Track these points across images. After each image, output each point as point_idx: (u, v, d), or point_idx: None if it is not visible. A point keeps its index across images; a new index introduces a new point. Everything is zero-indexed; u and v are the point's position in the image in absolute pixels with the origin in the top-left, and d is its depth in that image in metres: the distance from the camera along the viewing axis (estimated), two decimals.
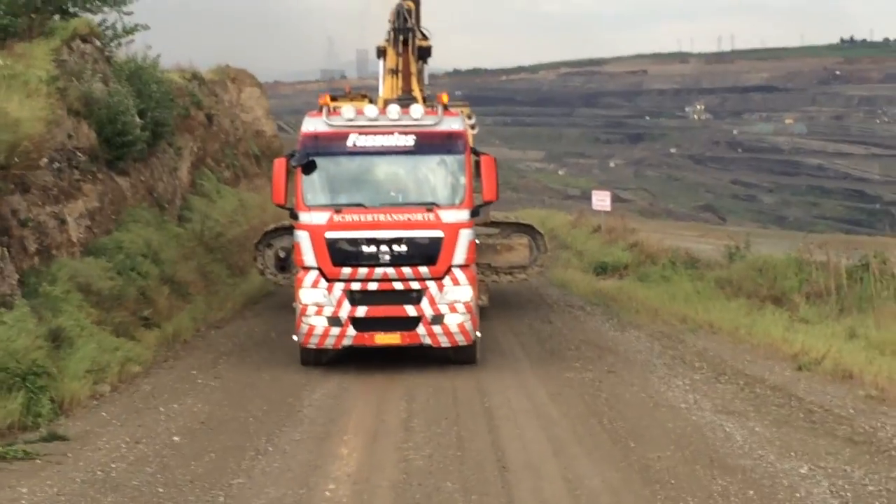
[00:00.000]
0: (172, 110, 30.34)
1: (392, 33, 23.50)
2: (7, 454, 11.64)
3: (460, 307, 16.90)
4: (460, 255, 16.92)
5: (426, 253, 16.85)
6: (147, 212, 25.16)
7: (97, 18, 28.68)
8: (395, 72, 23.19)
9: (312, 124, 17.48)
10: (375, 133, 17.13)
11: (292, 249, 20.08)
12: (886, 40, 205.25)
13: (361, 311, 16.83)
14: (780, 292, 22.14)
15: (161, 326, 19.24)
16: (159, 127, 27.80)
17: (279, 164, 17.33)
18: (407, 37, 23.30)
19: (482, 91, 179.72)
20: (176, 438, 12.66)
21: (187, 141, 33.24)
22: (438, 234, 16.83)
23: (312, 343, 16.95)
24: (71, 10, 27.94)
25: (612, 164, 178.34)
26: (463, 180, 17.08)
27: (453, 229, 16.86)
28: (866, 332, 18.38)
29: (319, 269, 16.88)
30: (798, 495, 10.25)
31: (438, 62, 27.17)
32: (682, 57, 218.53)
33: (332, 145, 17.20)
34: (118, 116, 23.92)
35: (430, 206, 16.88)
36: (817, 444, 12.10)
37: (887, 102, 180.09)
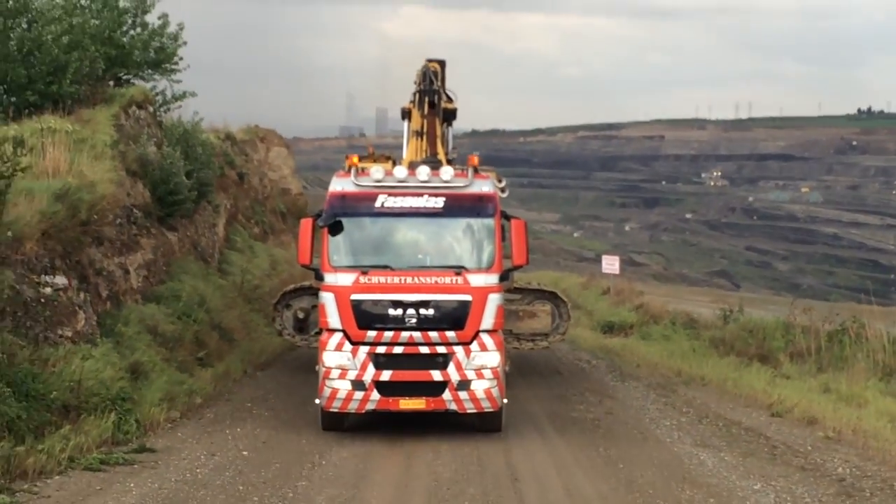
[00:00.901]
0: (213, 170, 33.39)
1: (417, 95, 23.58)
2: (110, 460, 14.48)
3: (487, 373, 16.70)
4: (488, 319, 16.75)
5: (454, 317, 16.68)
6: (194, 264, 28.03)
7: (148, 85, 32.04)
8: (419, 133, 23.16)
9: (340, 184, 17.40)
10: (405, 194, 17.05)
11: (311, 310, 21.68)
12: None
13: (386, 375, 16.66)
14: (767, 351, 24.94)
15: (214, 366, 22.02)
16: (203, 186, 30.67)
17: (305, 225, 17.20)
18: (433, 99, 23.34)
19: (500, 152, 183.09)
20: (245, 453, 15.52)
21: (222, 199, 36.00)
22: (467, 298, 16.69)
23: (335, 407, 16.78)
24: (124, 77, 31.21)
25: (627, 228, 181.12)
26: (493, 244, 17.00)
27: (482, 293, 16.71)
28: (838, 387, 21.11)
29: (344, 331, 16.77)
30: (748, 502, 13.04)
31: (458, 122, 29.27)
32: (699, 123, 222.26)
33: (359, 206, 17.10)
34: (170, 177, 26.71)
35: (459, 270, 16.75)
36: (774, 470, 14.89)
37: None
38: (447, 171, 17.39)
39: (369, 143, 30.13)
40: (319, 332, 19.65)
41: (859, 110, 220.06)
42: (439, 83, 24.42)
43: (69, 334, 17.90)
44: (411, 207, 17.04)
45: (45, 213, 18.49)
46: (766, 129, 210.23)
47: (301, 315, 22.45)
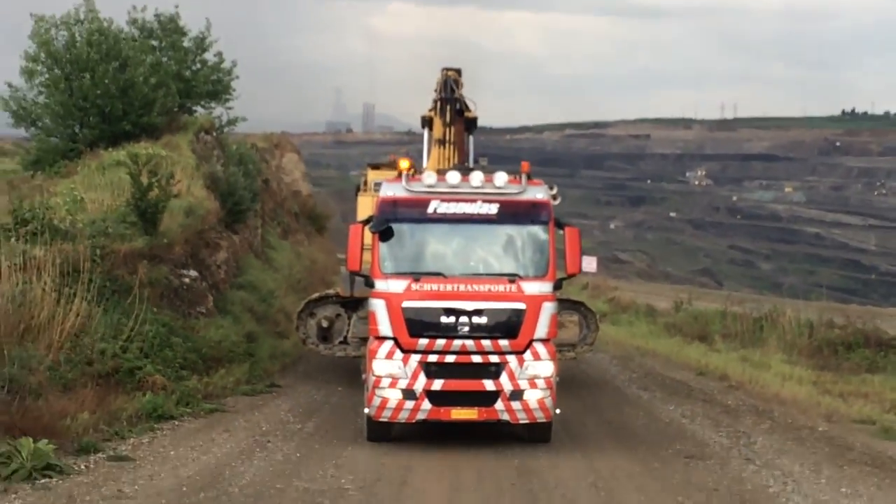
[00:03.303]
0: (258, 181, 41.88)
1: (439, 103, 24.41)
2: (256, 390, 23.03)
3: (541, 383, 16.91)
4: (542, 328, 16.96)
5: (507, 325, 16.86)
6: (254, 261, 36.70)
7: (205, 112, 40.75)
8: (441, 142, 23.75)
9: (391, 189, 17.45)
10: (458, 200, 17.10)
11: (335, 319, 23.68)
12: (887, 113, 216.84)
13: (438, 384, 16.83)
14: (705, 333, 33.77)
15: (289, 337, 30.53)
16: (254, 196, 39.17)
17: (355, 230, 17.31)
18: (456, 107, 24.18)
19: (487, 150, 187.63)
20: (339, 388, 24.10)
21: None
22: (521, 306, 16.85)
23: (385, 416, 17.05)
24: (187, 106, 39.85)
25: (612, 226, 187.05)
26: (547, 251, 17.18)
27: (536, 302, 16.90)
28: (753, 357, 29.83)
29: (395, 339, 16.95)
30: (663, 414, 21.92)
31: None
32: (685, 123, 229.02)
33: (411, 211, 17.16)
34: (235, 190, 35.16)
35: (513, 278, 16.92)
36: (686, 401, 23.69)
37: (886, 175, 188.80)
38: (501, 177, 17.46)
39: (392, 154, 33.55)
40: (344, 342, 23.85)
41: (843, 111, 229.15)
42: (459, 91, 25.09)
43: (203, 311, 26.46)
44: (464, 213, 17.19)
45: (183, 224, 27.10)
46: (751, 130, 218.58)
47: (325, 324, 23.65)
